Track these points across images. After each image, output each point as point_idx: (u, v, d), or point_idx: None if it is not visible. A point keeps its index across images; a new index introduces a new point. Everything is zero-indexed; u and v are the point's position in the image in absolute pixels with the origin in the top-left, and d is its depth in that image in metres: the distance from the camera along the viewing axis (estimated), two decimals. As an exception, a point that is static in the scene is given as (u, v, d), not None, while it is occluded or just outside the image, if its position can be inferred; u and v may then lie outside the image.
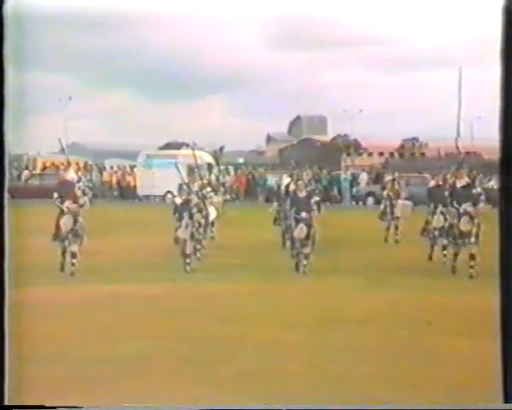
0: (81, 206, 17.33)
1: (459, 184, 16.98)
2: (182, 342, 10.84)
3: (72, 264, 17.18)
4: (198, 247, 19.16)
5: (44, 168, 44.19)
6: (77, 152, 44.69)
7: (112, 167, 43.23)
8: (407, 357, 10.17)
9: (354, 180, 42.18)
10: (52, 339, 10.72)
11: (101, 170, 42.81)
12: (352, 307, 13.47)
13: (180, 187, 18.27)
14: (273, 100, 64.19)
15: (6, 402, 6.59)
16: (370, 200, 39.56)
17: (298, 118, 62.03)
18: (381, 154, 53.27)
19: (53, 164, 42.11)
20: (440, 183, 19.56)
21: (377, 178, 42.57)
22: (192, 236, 17.99)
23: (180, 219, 17.85)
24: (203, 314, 12.87)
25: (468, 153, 49.55)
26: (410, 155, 53.24)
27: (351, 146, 54.03)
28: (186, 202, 17.98)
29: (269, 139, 61.59)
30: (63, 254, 17.30)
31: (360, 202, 39.98)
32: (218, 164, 41.29)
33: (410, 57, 65.18)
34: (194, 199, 18.31)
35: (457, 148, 48.79)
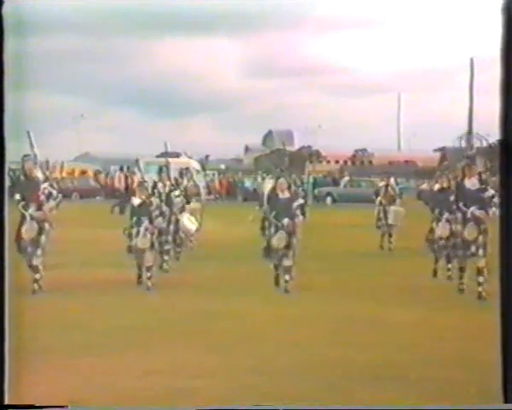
0: (49, 211, 12.02)
1: (468, 184, 11.78)
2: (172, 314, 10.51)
3: (35, 280, 11.70)
4: (165, 258, 14.23)
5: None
6: (88, 160, 44.75)
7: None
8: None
9: (315, 183, 42.41)
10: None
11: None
12: (309, 284, 12.66)
13: (139, 184, 13.15)
14: (249, 117, 64.63)
15: (6, 401, 5.39)
16: (329, 199, 39.92)
17: (270, 132, 62.32)
18: (337, 162, 53.70)
19: (73, 171, 42.16)
20: (445, 185, 14.14)
21: (334, 181, 43.05)
22: (152, 245, 12.47)
23: (139, 223, 12.31)
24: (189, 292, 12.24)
25: (406, 161, 50.22)
26: (360, 162, 53.66)
27: (313, 155, 54.28)
28: (144, 204, 12.46)
29: (246, 149, 61.76)
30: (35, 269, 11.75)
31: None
32: (204, 169, 41.42)
33: (361, 84, 65.79)
34: (156, 201, 12.97)
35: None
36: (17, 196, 11.73)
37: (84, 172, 42.20)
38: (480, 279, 11.38)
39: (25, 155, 12.17)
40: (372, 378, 7.44)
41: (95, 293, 11.88)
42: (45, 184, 12.02)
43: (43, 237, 11.80)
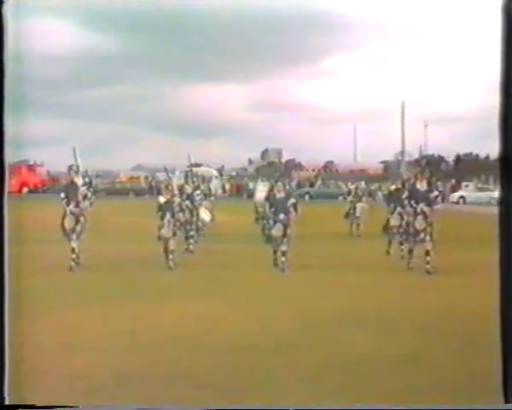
0: (85, 207, 11.53)
1: (419, 185, 11.07)
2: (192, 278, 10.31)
3: (73, 259, 11.18)
4: (190, 241, 13.56)
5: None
6: (140, 169, 44.72)
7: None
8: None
9: (298, 185, 41.89)
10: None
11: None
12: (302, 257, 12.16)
13: (165, 187, 11.72)
14: (252, 139, 65.28)
15: (6, 401, 4.20)
16: (307, 197, 39.42)
17: (266, 149, 61.93)
18: (313, 170, 53.70)
19: (131, 178, 42.33)
20: (399, 186, 12.98)
21: (311, 184, 42.70)
22: (174, 234, 11.59)
23: (163, 217, 11.42)
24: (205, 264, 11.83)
25: (361, 170, 50.22)
26: (329, 171, 53.51)
27: (296, 166, 54.03)
28: (168, 202, 11.51)
29: (250, 162, 61.44)
30: (73, 250, 11.26)
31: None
32: (221, 175, 41.21)
33: (330, 116, 65.90)
34: (177, 199, 11.78)
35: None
36: (62, 195, 11.42)
37: (137, 178, 42.26)
38: (428, 258, 10.88)
39: (69, 166, 11.59)
40: (336, 318, 7.47)
41: (135, 265, 11.48)
42: (83, 188, 11.47)
43: (78, 227, 11.31)
